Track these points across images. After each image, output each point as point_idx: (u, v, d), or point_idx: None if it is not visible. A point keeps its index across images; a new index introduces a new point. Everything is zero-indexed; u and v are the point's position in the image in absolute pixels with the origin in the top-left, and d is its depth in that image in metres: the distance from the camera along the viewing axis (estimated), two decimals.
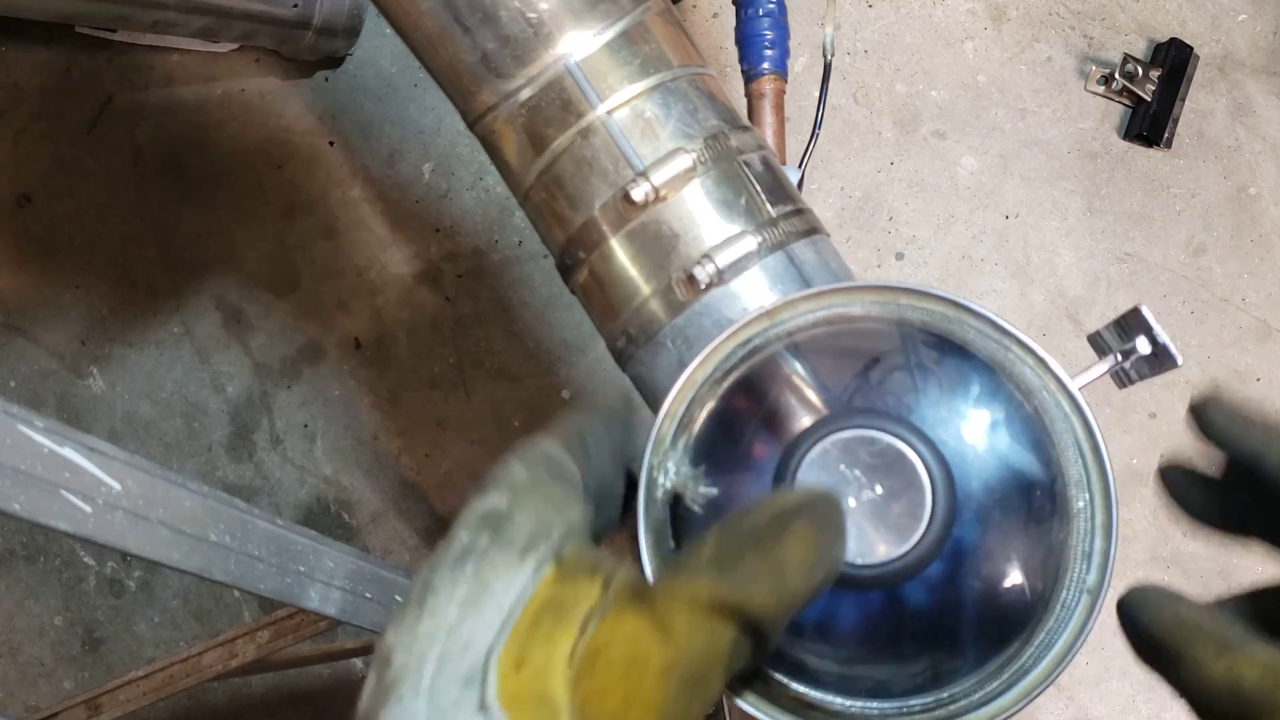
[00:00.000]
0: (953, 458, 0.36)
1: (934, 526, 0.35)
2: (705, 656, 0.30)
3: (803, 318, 0.40)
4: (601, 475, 0.37)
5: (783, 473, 0.36)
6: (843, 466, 0.36)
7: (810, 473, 0.36)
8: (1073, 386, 0.38)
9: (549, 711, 0.29)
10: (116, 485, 0.53)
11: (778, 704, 0.37)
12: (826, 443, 0.36)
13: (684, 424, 0.40)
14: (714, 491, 0.38)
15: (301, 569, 0.72)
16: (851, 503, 0.35)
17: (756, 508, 0.32)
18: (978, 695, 0.36)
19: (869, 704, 0.37)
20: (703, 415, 0.40)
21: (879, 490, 0.35)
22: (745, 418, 0.40)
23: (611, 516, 0.38)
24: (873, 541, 0.35)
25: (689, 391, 0.40)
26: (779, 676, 0.37)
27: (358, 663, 1.36)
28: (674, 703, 0.30)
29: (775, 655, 0.37)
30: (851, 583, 0.35)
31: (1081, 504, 0.37)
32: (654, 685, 0.29)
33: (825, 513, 0.32)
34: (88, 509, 0.51)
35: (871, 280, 0.40)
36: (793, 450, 0.36)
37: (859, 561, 0.35)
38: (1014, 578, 0.37)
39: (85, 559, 1.41)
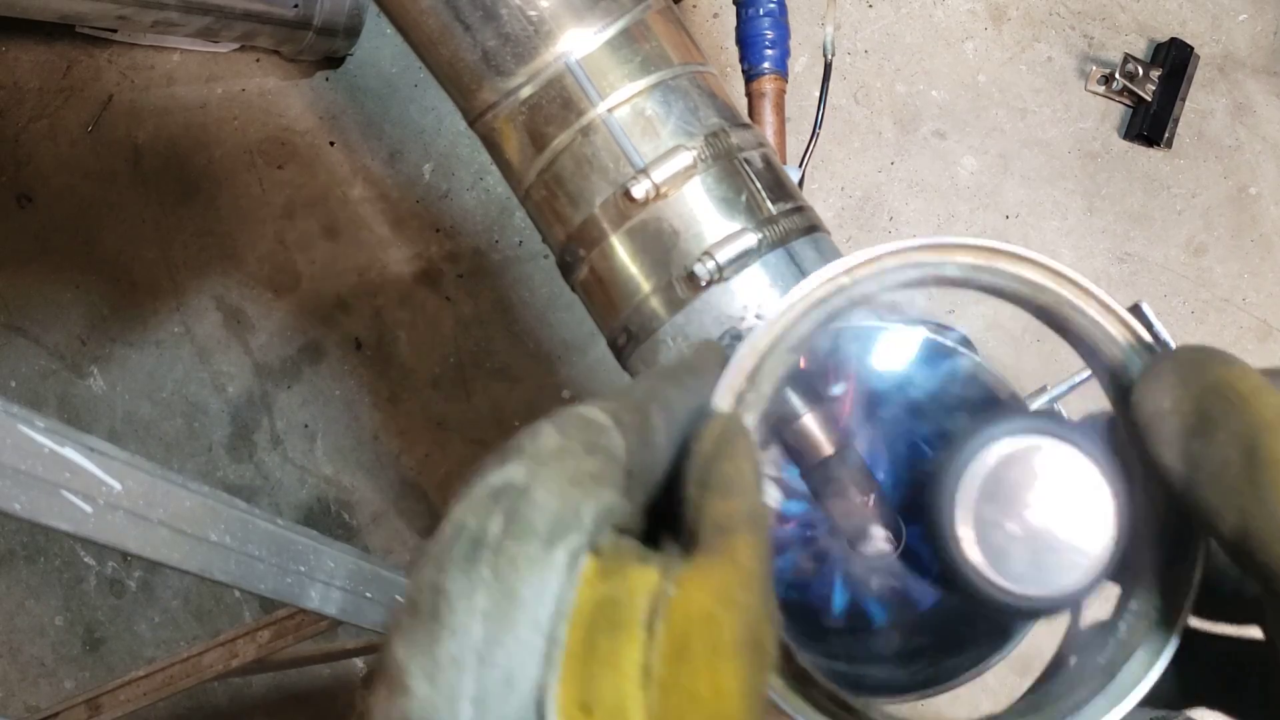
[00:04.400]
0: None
1: (1117, 551, 0.32)
2: (757, 608, 0.25)
3: (889, 276, 0.35)
4: (658, 454, 0.30)
5: (946, 475, 0.32)
6: (1012, 475, 0.32)
7: (974, 480, 0.32)
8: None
9: None
10: (117, 485, 0.53)
11: (824, 710, 0.34)
12: (996, 447, 0.32)
13: (748, 401, 0.34)
14: (780, 476, 0.36)
15: (302, 569, 0.72)
16: (1023, 519, 0.32)
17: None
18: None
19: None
20: (771, 391, 0.35)
21: (1054, 516, 0.32)
22: (824, 395, 0.37)
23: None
24: (1049, 568, 0.32)
25: (751, 361, 0.35)
26: (824, 683, 0.35)
27: (358, 662, 1.36)
28: (750, 681, 0.24)
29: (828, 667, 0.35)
30: (1021, 612, 0.32)
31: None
32: (730, 668, 0.24)
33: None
34: (88, 509, 0.51)
35: (968, 237, 0.35)
36: (957, 453, 0.32)
37: (1036, 593, 0.32)
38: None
39: (86, 559, 1.41)
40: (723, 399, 0.33)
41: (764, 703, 0.25)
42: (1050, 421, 0.32)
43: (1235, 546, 0.28)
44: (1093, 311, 0.35)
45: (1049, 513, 0.32)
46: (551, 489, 0.25)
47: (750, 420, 0.33)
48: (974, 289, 0.35)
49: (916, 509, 0.35)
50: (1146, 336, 0.34)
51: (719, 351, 0.34)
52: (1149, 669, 0.32)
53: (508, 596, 0.24)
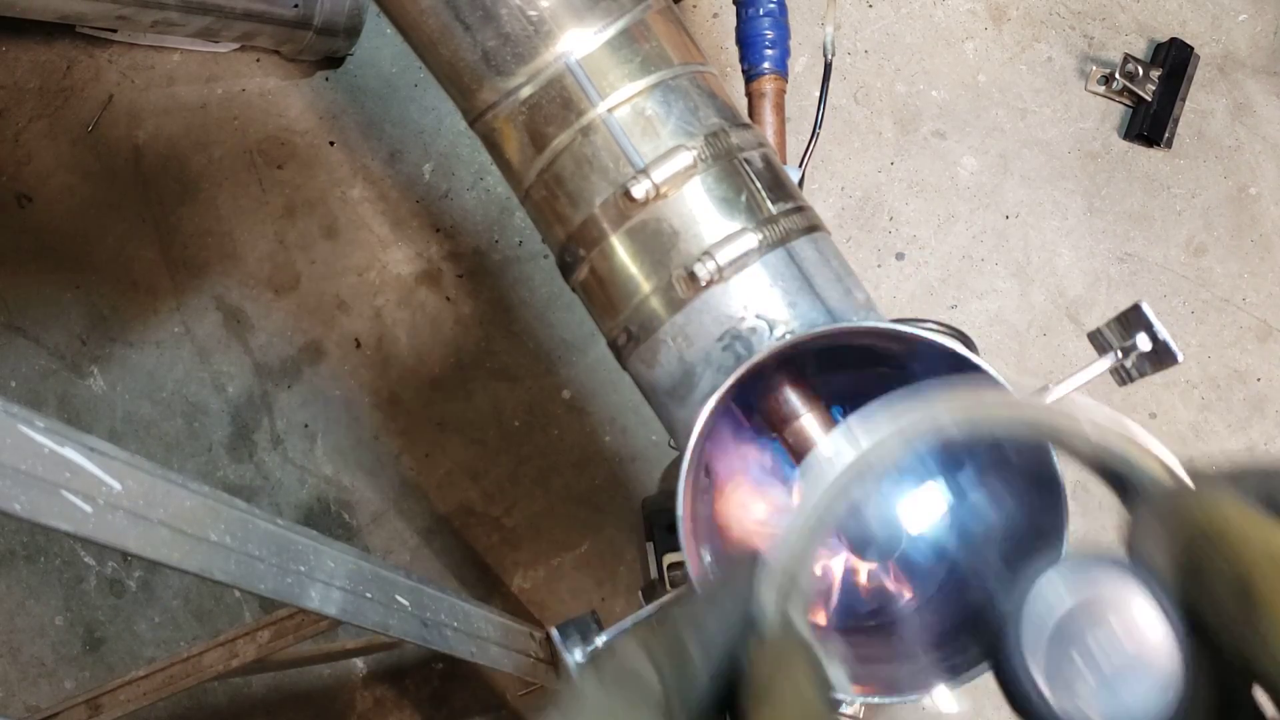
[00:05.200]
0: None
1: (1186, 693, 0.31)
2: None
3: (897, 452, 0.35)
4: (697, 687, 0.31)
5: (1013, 614, 0.33)
6: (1080, 615, 0.32)
7: (1042, 620, 0.32)
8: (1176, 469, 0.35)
9: None
10: (117, 485, 0.53)
11: None
12: (1063, 585, 0.32)
13: (794, 597, 0.34)
14: (844, 674, 0.33)
15: (302, 569, 0.71)
16: (1094, 661, 0.32)
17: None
18: None
19: None
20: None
21: (1120, 649, 0.32)
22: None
23: None
24: (1119, 708, 0.31)
25: (789, 560, 0.35)
26: None
27: (358, 663, 1.36)
28: None
29: None
30: None
31: None
32: None
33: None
34: (88, 509, 0.51)
35: (960, 392, 0.35)
36: (1022, 590, 0.33)
37: None
38: None
39: (86, 559, 1.41)
40: (768, 602, 0.33)
41: None
42: (1116, 561, 0.32)
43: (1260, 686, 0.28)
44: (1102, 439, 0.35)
45: (1117, 653, 0.31)
46: None
47: (799, 619, 0.33)
48: (983, 439, 0.34)
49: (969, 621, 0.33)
50: (1161, 456, 0.34)
51: (752, 560, 0.34)
52: None
53: None
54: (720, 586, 0.32)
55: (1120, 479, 0.35)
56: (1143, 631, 0.31)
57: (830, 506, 0.34)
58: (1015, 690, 0.32)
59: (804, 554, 0.34)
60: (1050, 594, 0.32)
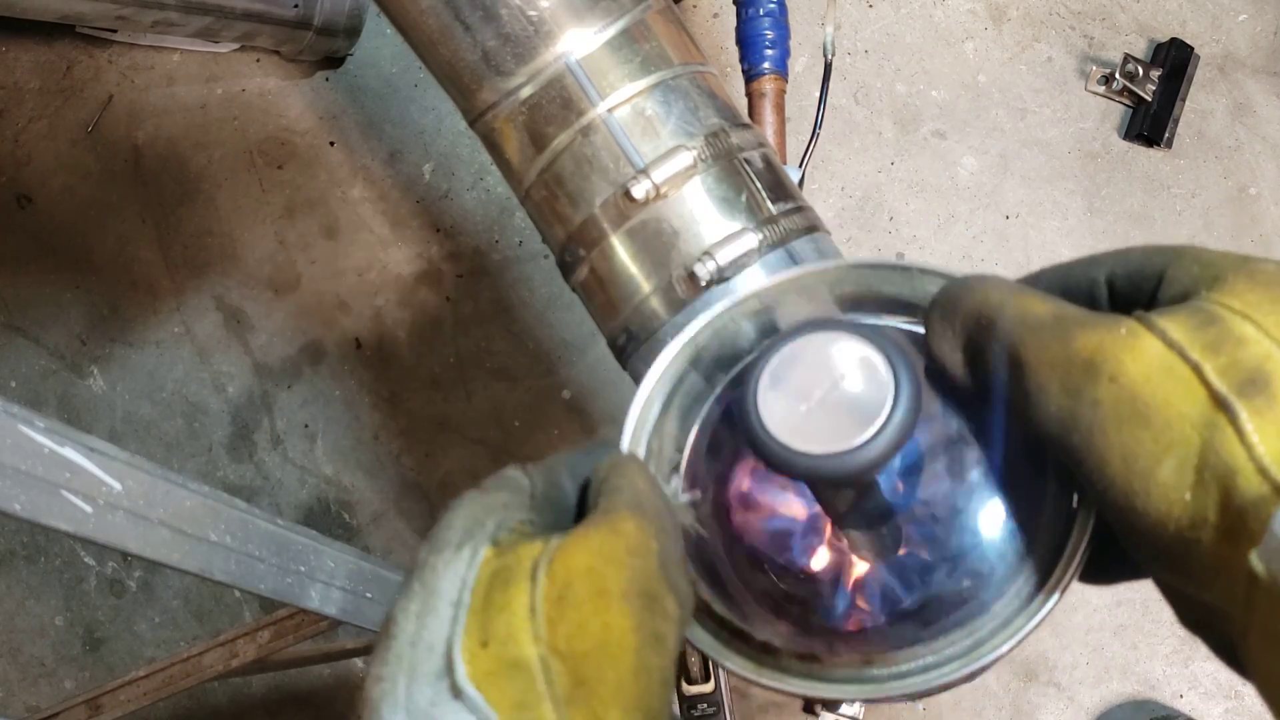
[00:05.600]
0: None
1: (892, 423, 0.34)
2: (645, 570, 0.31)
3: (725, 331, 0.42)
4: (564, 493, 0.37)
5: (749, 376, 0.37)
6: (807, 369, 0.36)
7: (776, 374, 0.36)
8: None
9: (524, 677, 0.29)
10: (117, 485, 0.53)
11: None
12: (792, 346, 0.36)
13: (651, 446, 0.41)
14: (696, 495, 0.40)
15: (302, 569, 0.72)
16: (815, 398, 0.36)
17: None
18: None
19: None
20: (671, 438, 0.42)
21: (842, 389, 0.35)
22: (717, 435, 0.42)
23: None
24: (832, 434, 0.35)
25: (640, 425, 0.41)
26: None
27: (358, 663, 1.36)
28: (642, 622, 0.30)
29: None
30: (811, 474, 0.35)
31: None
32: (618, 609, 0.30)
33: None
34: (88, 509, 0.51)
35: (791, 271, 0.40)
36: (763, 352, 0.37)
37: (816, 450, 0.35)
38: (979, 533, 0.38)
39: (86, 559, 1.41)
40: (622, 445, 0.41)
41: (664, 646, 0.31)
42: (847, 322, 0.37)
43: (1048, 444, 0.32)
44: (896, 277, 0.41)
45: (839, 391, 0.35)
46: (464, 514, 0.33)
47: (652, 465, 0.40)
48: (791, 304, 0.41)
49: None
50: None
51: (613, 439, 0.41)
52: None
53: (430, 593, 0.31)
54: (592, 444, 0.40)
55: (917, 308, 0.40)
56: (868, 387, 0.35)
57: (667, 375, 0.41)
58: (748, 429, 0.36)
59: (647, 418, 0.41)
60: (792, 350, 0.36)
